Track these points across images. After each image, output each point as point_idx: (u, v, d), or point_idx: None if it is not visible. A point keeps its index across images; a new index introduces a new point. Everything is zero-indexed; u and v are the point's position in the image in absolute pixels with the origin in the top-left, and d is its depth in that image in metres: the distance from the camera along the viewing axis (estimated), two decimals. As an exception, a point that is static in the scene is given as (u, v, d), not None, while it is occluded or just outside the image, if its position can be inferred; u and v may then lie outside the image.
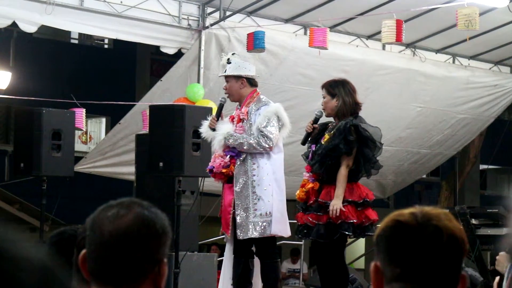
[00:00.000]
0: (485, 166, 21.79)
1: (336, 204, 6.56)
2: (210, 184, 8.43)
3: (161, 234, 2.01)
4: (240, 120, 7.12)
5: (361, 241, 17.96)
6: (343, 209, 6.57)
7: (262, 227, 6.95)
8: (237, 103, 7.30)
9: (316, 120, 6.91)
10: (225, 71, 7.26)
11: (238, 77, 7.18)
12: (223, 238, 7.38)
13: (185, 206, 8.51)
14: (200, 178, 8.26)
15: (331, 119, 6.90)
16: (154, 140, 8.08)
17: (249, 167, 7.03)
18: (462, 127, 14.73)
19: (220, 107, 7.27)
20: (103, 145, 12.52)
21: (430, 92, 13.81)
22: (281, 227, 7.02)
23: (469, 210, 11.32)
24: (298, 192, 6.86)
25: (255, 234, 6.94)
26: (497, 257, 4.87)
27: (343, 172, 6.62)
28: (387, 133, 13.10)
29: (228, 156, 7.04)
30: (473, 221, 11.13)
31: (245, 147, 6.99)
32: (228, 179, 7.11)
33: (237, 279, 7.05)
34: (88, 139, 20.14)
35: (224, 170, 7.04)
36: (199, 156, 7.82)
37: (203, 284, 8.82)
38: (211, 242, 14.25)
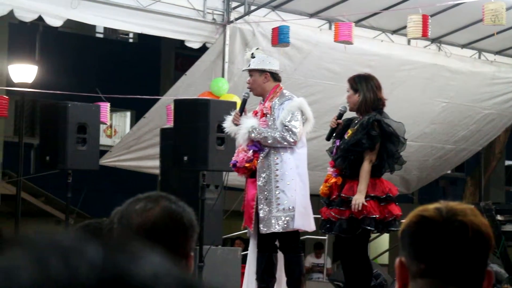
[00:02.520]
0: (510, 162, 21.66)
1: (358, 199, 6.55)
2: (234, 178, 8.44)
3: (188, 228, 2.03)
4: (264, 115, 7.13)
5: (385, 236, 17.92)
6: (366, 204, 6.56)
7: (285, 222, 6.96)
8: (261, 98, 7.31)
9: (340, 116, 6.90)
10: (249, 65, 7.27)
11: (261, 71, 7.19)
12: (247, 232, 7.40)
13: (209, 200, 8.53)
14: (224, 172, 8.28)
15: (355, 114, 6.89)
16: (178, 134, 8.11)
17: (272, 162, 7.04)
18: (487, 123, 14.65)
19: (244, 102, 7.28)
20: (128, 139, 12.57)
21: (455, 87, 13.74)
22: (305, 222, 7.03)
23: (495, 206, 11.26)
24: (321, 187, 6.86)
25: (277, 229, 6.95)
26: None
27: (366, 167, 6.61)
28: (411, 129, 13.08)
29: (251, 150, 7.05)
30: (499, 217, 11.08)
31: (269, 141, 7.00)
32: (251, 174, 7.12)
33: (261, 274, 7.06)
34: (113, 133, 20.23)
35: (247, 165, 7.05)
36: (224, 150, 7.83)
37: (227, 278, 8.84)
38: (235, 236, 14.27)
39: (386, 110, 6.94)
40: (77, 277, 0.76)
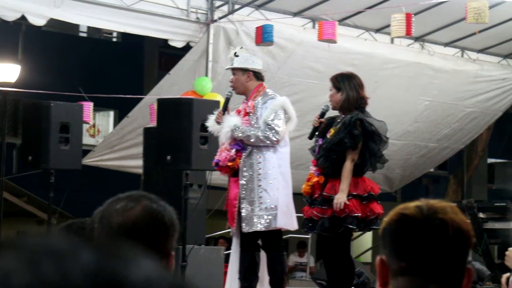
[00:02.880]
0: (492, 160, 21.77)
1: (340, 198, 6.57)
2: (218, 177, 8.44)
3: (169, 227, 2.03)
4: (247, 114, 7.14)
5: (368, 235, 17.97)
6: (348, 203, 6.57)
7: (268, 221, 6.96)
8: (244, 97, 7.31)
9: (322, 114, 6.92)
10: (232, 64, 7.28)
11: (244, 70, 7.20)
12: (230, 231, 7.40)
13: (192, 200, 8.53)
14: (207, 172, 8.27)
15: (338, 113, 6.91)
16: (162, 134, 8.10)
17: (254, 161, 7.04)
18: (470, 121, 14.71)
19: (227, 101, 7.29)
20: (111, 139, 12.54)
21: (439, 85, 13.79)
22: (287, 221, 7.04)
23: (477, 204, 11.31)
24: (303, 186, 6.87)
25: (260, 227, 6.95)
26: (506, 253, 4.83)
27: (348, 166, 6.62)
28: (395, 127, 13.11)
29: (234, 149, 7.05)
30: (481, 215, 11.13)
31: (252, 140, 7.00)
32: (234, 173, 7.13)
33: (244, 273, 7.07)
34: (96, 133, 20.17)
35: (230, 164, 7.06)
36: (207, 150, 7.83)
37: (210, 277, 8.84)
38: (218, 235, 14.27)
39: (369, 108, 6.96)
40: (71, 281, 0.76)
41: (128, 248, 0.81)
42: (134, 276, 0.78)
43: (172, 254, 2.05)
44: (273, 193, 7.00)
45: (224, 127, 7.09)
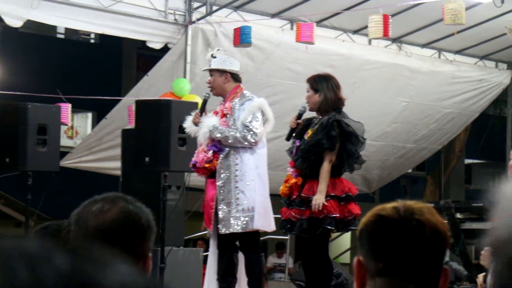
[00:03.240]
0: (470, 161, 21.88)
1: (318, 199, 6.58)
2: (196, 179, 8.43)
3: (145, 229, 2.02)
4: (224, 115, 7.13)
5: (347, 236, 18.01)
6: (326, 204, 6.59)
7: (245, 222, 6.97)
8: (221, 98, 7.31)
9: (299, 116, 6.93)
10: (209, 65, 7.28)
11: (222, 72, 7.20)
12: (207, 233, 7.39)
13: (171, 201, 8.51)
14: (186, 173, 8.26)
15: (315, 114, 6.92)
16: (140, 135, 8.08)
17: (232, 162, 7.04)
18: (447, 122, 14.78)
19: (204, 102, 7.29)
20: (89, 140, 12.49)
21: (416, 86, 13.85)
22: (264, 222, 7.05)
23: (454, 204, 11.37)
24: (281, 187, 6.88)
25: (237, 229, 6.95)
26: (482, 252, 4.87)
27: (326, 167, 6.64)
28: (372, 128, 13.15)
29: (211, 151, 7.05)
30: (458, 215, 11.19)
31: (230, 141, 7.00)
32: (211, 174, 7.12)
33: (222, 274, 7.06)
34: (74, 134, 20.09)
35: (207, 165, 7.05)
36: (185, 151, 7.82)
37: (188, 278, 8.83)
38: (197, 237, 14.25)
39: (347, 109, 6.98)
40: (44, 285, 0.75)
41: (103, 252, 0.80)
42: (108, 281, 0.77)
43: (149, 255, 2.05)
44: (250, 195, 7.00)
45: (202, 127, 7.08)
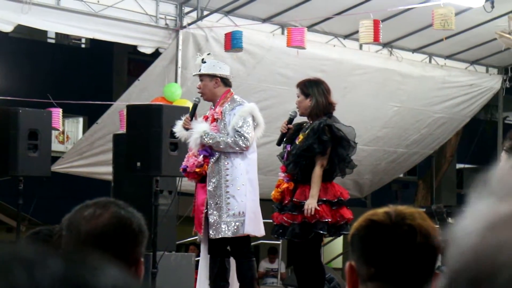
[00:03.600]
0: (461, 165, 21.90)
1: (311, 204, 6.58)
2: (188, 184, 8.43)
3: (137, 234, 2.02)
4: (214, 120, 7.13)
5: (339, 240, 18.01)
6: (318, 209, 6.59)
7: (235, 227, 6.96)
8: (211, 103, 7.31)
9: (290, 121, 6.94)
10: (199, 70, 7.27)
11: (212, 76, 7.19)
12: (197, 238, 7.38)
13: (162, 206, 8.50)
14: (177, 178, 8.25)
15: (306, 118, 6.92)
16: (131, 140, 8.07)
17: (222, 167, 7.04)
18: (438, 127, 14.81)
19: (194, 107, 7.28)
20: (80, 145, 12.48)
21: (407, 91, 13.87)
22: (255, 227, 7.04)
23: (446, 209, 11.40)
24: (273, 192, 6.88)
25: (228, 234, 6.95)
26: None
27: (317, 172, 6.64)
28: (364, 133, 13.17)
29: (202, 155, 7.04)
30: (450, 220, 11.21)
31: (221, 146, 7.00)
32: (202, 179, 7.11)
33: (214, 279, 7.06)
34: (65, 139, 20.05)
35: (197, 170, 7.04)
36: (177, 156, 7.82)
37: (180, 283, 8.81)
38: (189, 242, 14.23)
39: (338, 114, 6.99)
40: None
41: (94, 256, 0.82)
42: (102, 284, 0.79)
43: (141, 260, 2.05)
44: (241, 199, 6.99)
45: (193, 133, 7.08)
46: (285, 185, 6.78)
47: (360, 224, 2.00)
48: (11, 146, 8.55)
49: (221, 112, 7.11)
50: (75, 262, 0.80)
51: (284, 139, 6.94)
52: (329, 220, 6.64)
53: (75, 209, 2.03)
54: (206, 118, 7.22)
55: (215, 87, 7.18)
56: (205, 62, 7.27)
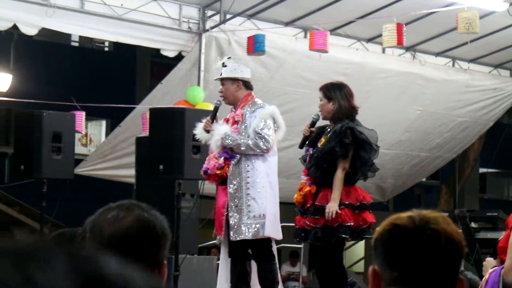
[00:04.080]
0: (484, 170, 21.80)
1: (332, 207, 6.56)
2: (210, 187, 8.43)
3: (160, 236, 2.02)
4: (235, 122, 7.13)
5: (361, 244, 17.97)
6: (340, 212, 6.57)
7: (255, 229, 6.96)
8: (232, 106, 7.31)
9: (313, 124, 6.92)
10: (220, 74, 7.28)
11: (234, 80, 7.19)
12: (217, 240, 7.37)
13: (185, 209, 8.52)
14: (200, 181, 8.27)
15: (328, 122, 6.91)
16: (154, 143, 8.09)
17: (243, 169, 7.04)
18: (461, 131, 14.74)
19: (215, 110, 7.29)
20: (103, 148, 12.52)
21: (430, 95, 13.82)
22: (275, 230, 7.03)
23: (469, 214, 11.33)
24: (296, 195, 6.86)
25: (248, 236, 6.94)
26: (484, 263, 4.78)
27: (339, 175, 6.62)
28: (386, 136, 13.13)
29: (222, 157, 7.05)
30: (473, 225, 11.15)
31: (242, 148, 7.00)
32: (222, 181, 7.12)
33: (235, 282, 7.05)
34: (88, 142, 20.14)
35: (218, 172, 7.05)
36: (199, 159, 7.83)
37: (202, 286, 8.82)
38: (211, 245, 14.24)
39: (361, 118, 6.97)
40: (61, 282, 0.78)
41: (94, 249, 0.86)
42: (112, 272, 0.82)
43: (164, 263, 2.05)
44: (262, 202, 6.99)
45: (214, 135, 7.08)
46: (307, 189, 6.77)
47: (383, 228, 1.99)
48: (35, 148, 8.61)
49: (242, 115, 7.11)
50: (80, 255, 0.83)
51: (307, 142, 6.93)
52: (352, 224, 6.62)
53: (99, 211, 2.04)
54: (227, 121, 7.23)
55: (237, 91, 7.19)
56: (226, 66, 7.27)
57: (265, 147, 7.00)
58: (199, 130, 7.25)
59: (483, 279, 3.87)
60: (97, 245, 2.01)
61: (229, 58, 7.56)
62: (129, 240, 1.98)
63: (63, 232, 2.97)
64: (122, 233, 1.98)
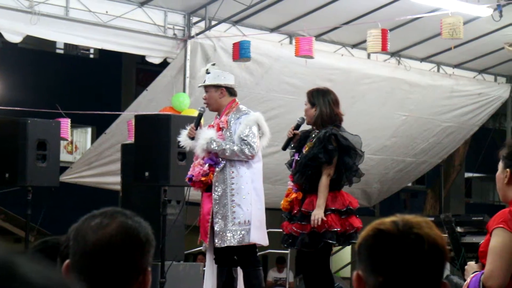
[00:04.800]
0: (470, 174, 21.87)
1: (317, 214, 6.57)
2: (196, 193, 8.43)
3: (144, 243, 2.02)
4: (220, 129, 7.13)
5: (347, 250, 17.99)
6: (325, 219, 6.58)
7: (241, 235, 6.96)
8: (216, 112, 7.32)
9: (297, 126, 6.94)
10: (204, 81, 7.28)
11: (217, 87, 7.20)
12: (203, 247, 7.37)
13: (171, 216, 8.51)
14: (186, 188, 8.26)
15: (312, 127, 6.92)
16: (139, 150, 8.08)
17: (228, 175, 7.04)
18: (446, 136, 14.79)
19: (199, 116, 7.29)
20: (88, 155, 12.50)
21: (415, 100, 13.87)
22: (260, 236, 7.04)
23: (454, 218, 11.34)
24: (282, 201, 6.87)
25: (233, 243, 6.94)
26: (466, 267, 4.79)
27: (324, 182, 6.63)
28: (372, 142, 13.17)
29: (207, 164, 7.05)
30: (458, 229, 11.16)
31: (227, 153, 7.00)
32: (207, 188, 7.12)
33: (222, 288, 7.05)
34: (74, 149, 20.09)
35: (203, 178, 7.05)
36: (185, 166, 7.82)
37: (189, 293, 8.81)
38: (197, 251, 14.23)
39: (346, 123, 6.97)
40: None
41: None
42: (23, 268, 0.85)
43: (148, 270, 2.05)
44: (247, 208, 6.99)
45: (200, 139, 7.08)
46: (294, 195, 6.78)
47: (367, 234, 2.00)
48: (19, 156, 8.57)
49: (226, 121, 7.12)
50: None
51: (292, 145, 6.94)
52: (338, 229, 6.63)
53: (82, 219, 2.04)
54: (211, 127, 7.22)
55: (221, 97, 7.19)
56: (209, 72, 7.27)
57: (250, 154, 7.00)
58: (183, 137, 7.25)
59: (465, 283, 3.88)
60: (80, 252, 2.01)
61: (213, 64, 7.56)
62: (113, 248, 1.98)
63: (47, 240, 2.96)
64: (105, 241, 1.98)
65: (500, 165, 4.04)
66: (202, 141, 7.03)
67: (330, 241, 6.66)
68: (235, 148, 6.99)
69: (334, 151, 6.64)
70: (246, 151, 6.98)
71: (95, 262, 1.99)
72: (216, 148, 7.01)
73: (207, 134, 7.05)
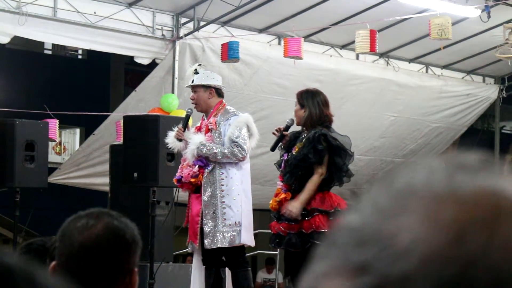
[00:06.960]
0: (459, 175, 21.88)
1: (294, 208, 6.52)
2: (185, 194, 8.42)
3: (131, 244, 2.02)
4: (209, 130, 7.11)
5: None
6: (299, 218, 6.54)
7: (231, 237, 6.95)
8: (203, 113, 7.30)
9: (287, 128, 6.93)
10: (192, 81, 7.25)
11: (206, 87, 7.18)
12: (190, 248, 7.34)
13: (159, 217, 8.49)
14: (174, 189, 8.25)
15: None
16: (128, 151, 8.07)
17: (217, 177, 7.03)
18: (435, 136, 14.83)
19: (187, 118, 7.27)
20: (77, 156, 12.47)
21: (404, 101, 13.89)
22: (249, 237, 7.05)
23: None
24: (271, 201, 6.86)
25: (224, 244, 6.94)
26: None
27: (314, 179, 6.61)
28: (361, 143, 13.18)
29: (197, 165, 7.03)
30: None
31: (218, 157, 6.99)
32: (196, 189, 7.10)
33: (210, 289, 7.04)
34: (62, 150, 20.04)
35: (192, 180, 7.03)
36: (174, 167, 7.81)
37: (178, 294, 8.80)
38: (186, 252, 14.21)
39: (335, 124, 6.97)
40: None
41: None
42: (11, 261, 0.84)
43: (135, 270, 2.04)
44: (237, 209, 6.99)
45: (190, 144, 7.07)
46: (283, 196, 6.77)
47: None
48: (7, 157, 8.54)
49: (215, 122, 7.10)
50: None
51: (281, 146, 6.93)
52: (326, 230, 6.63)
53: (68, 220, 2.03)
54: (198, 129, 7.20)
55: (210, 98, 7.18)
56: (197, 73, 7.25)
57: (241, 155, 6.99)
58: (170, 139, 7.22)
59: None
60: (67, 253, 2.00)
61: (199, 65, 7.54)
62: (99, 248, 1.98)
63: (33, 242, 2.96)
64: (92, 241, 1.97)
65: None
66: (192, 147, 7.01)
67: (317, 242, 6.66)
68: (226, 151, 6.98)
69: (323, 151, 6.64)
70: (237, 153, 6.97)
71: (81, 263, 1.98)
72: (207, 152, 6.99)
73: (196, 139, 7.03)
